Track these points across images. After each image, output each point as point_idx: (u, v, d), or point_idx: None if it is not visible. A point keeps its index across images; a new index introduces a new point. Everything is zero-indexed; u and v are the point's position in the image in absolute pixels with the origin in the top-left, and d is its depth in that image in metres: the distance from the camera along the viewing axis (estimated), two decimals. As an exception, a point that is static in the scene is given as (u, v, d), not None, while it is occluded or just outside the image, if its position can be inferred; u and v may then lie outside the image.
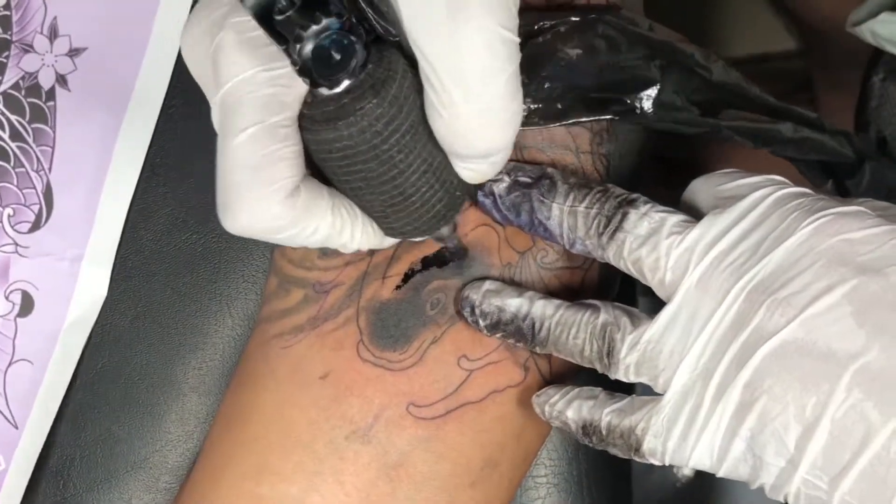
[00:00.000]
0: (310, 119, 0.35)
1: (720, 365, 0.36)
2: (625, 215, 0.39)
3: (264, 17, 0.33)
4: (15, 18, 0.51)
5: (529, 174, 0.41)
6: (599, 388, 0.41)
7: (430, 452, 0.42)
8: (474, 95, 0.34)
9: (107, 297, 0.51)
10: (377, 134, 0.35)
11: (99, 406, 0.51)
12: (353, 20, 0.34)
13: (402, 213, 0.38)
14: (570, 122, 0.43)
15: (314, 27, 0.33)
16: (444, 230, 0.41)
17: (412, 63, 0.36)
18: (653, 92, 0.43)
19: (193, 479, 0.47)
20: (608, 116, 0.43)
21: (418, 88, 0.36)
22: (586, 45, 0.43)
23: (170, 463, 0.51)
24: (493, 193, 0.42)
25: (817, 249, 0.36)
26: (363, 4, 0.34)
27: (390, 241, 0.41)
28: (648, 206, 0.39)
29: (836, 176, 0.46)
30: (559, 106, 0.43)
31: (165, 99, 0.51)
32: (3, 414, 0.50)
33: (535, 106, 0.43)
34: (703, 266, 0.37)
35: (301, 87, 0.35)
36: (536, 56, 0.42)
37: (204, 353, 0.51)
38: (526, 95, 0.41)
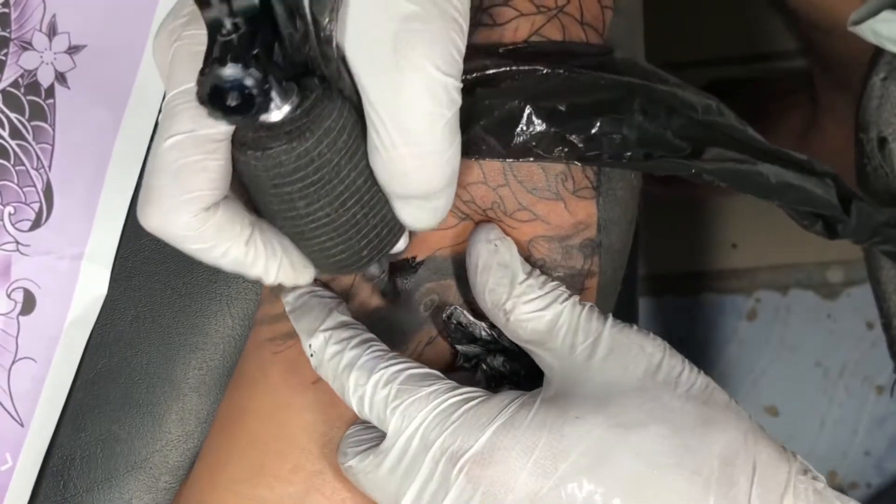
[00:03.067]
0: (236, 136, 0.36)
1: None
2: None
3: (210, 37, 0.33)
4: (14, 16, 0.51)
5: None
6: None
7: None
8: (414, 139, 0.36)
9: (107, 298, 0.51)
10: (279, 176, 0.35)
11: (99, 406, 0.51)
12: (275, 64, 0.33)
13: (305, 249, 0.39)
14: (539, 159, 0.43)
15: (217, 71, 0.32)
16: (373, 270, 0.42)
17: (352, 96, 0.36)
18: (632, 133, 0.42)
19: (191, 481, 0.47)
20: (572, 160, 0.43)
21: (344, 146, 0.36)
22: (553, 91, 0.42)
23: (170, 463, 0.51)
24: None
25: None
26: (316, 48, 0.34)
27: (307, 280, 0.41)
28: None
29: (825, 216, 0.46)
30: (533, 144, 0.43)
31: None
32: (8, 412, 0.50)
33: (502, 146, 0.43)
34: None
35: None
36: (493, 102, 0.42)
37: (204, 354, 0.51)
38: (489, 135, 0.41)
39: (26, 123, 0.50)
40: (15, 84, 0.50)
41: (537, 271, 0.41)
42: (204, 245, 0.37)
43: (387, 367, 0.39)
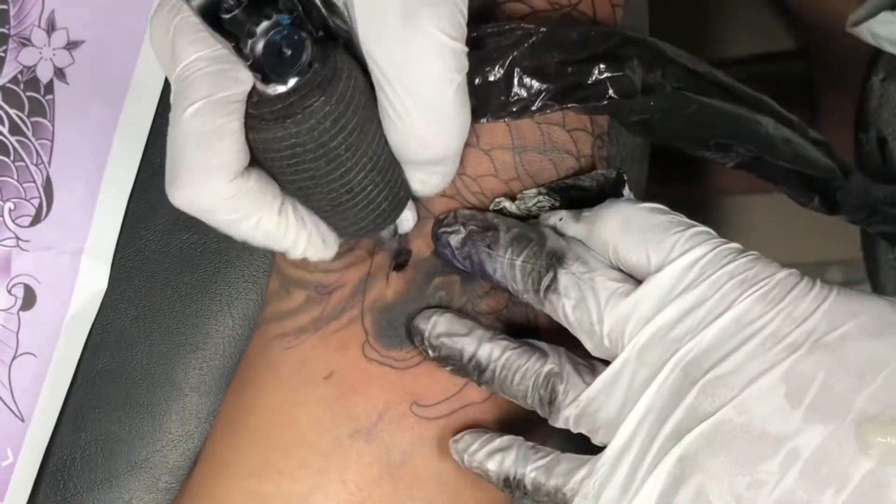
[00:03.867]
0: (257, 118, 0.35)
1: (655, 439, 0.37)
2: (555, 275, 0.40)
3: (211, 15, 0.33)
4: (13, 12, 0.51)
5: (479, 224, 0.42)
6: (521, 439, 0.41)
7: (433, 452, 0.42)
8: (426, 105, 0.36)
9: (107, 298, 0.51)
10: (325, 132, 0.35)
11: (99, 406, 0.51)
12: (302, 16, 0.34)
13: (348, 212, 0.38)
14: (540, 112, 0.42)
15: (266, 23, 0.33)
16: (385, 233, 0.41)
17: (359, 62, 0.36)
18: (635, 75, 0.42)
19: (195, 478, 0.47)
20: (573, 104, 0.42)
21: (364, 87, 0.36)
22: (543, 48, 0.42)
23: (170, 463, 0.51)
24: (449, 245, 0.42)
25: (752, 326, 0.36)
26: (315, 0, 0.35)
27: (330, 255, 0.41)
28: (577, 263, 0.40)
29: (822, 191, 0.46)
30: (529, 103, 0.42)
31: (163, 91, 0.51)
32: (9, 407, 0.50)
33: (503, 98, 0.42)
34: (640, 338, 0.38)
35: None
36: (490, 56, 0.42)
37: (204, 353, 0.51)
38: (489, 94, 0.41)
39: (26, 119, 0.50)
40: (14, 80, 0.51)
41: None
42: (238, 215, 0.36)
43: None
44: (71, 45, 0.51)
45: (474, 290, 0.44)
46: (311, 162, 0.36)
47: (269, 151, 0.36)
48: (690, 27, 1.11)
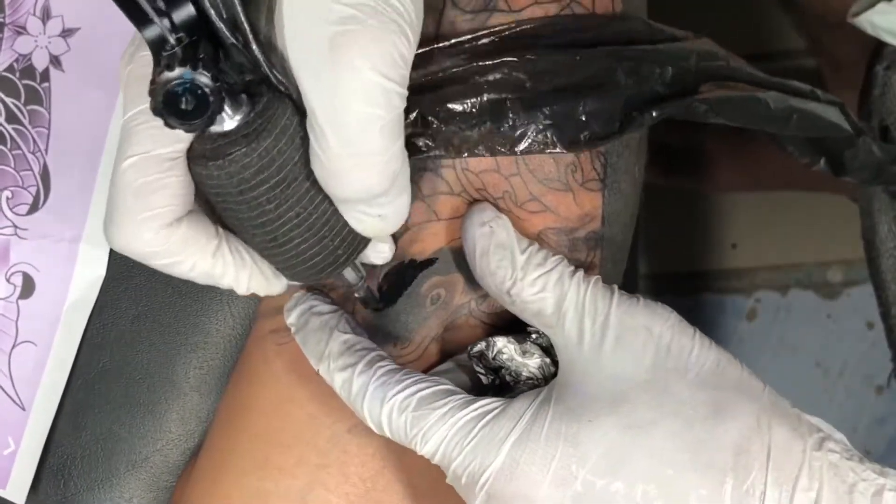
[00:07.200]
0: (193, 152, 0.36)
1: None
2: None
3: (157, 51, 0.34)
4: (7, 0, 0.51)
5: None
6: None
7: None
8: (347, 140, 0.35)
9: (107, 297, 0.51)
10: (244, 181, 0.35)
11: (100, 405, 0.51)
12: (222, 72, 0.34)
13: (279, 257, 0.39)
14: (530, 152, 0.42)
15: (167, 74, 0.33)
16: (350, 277, 0.41)
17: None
18: (618, 101, 0.41)
19: (194, 475, 0.47)
20: (558, 150, 0.42)
21: (300, 144, 0.36)
22: (532, 78, 0.41)
23: (171, 462, 0.51)
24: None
25: None
26: (258, 54, 0.35)
27: (280, 289, 0.41)
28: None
29: (828, 152, 0.46)
30: (517, 136, 0.42)
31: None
32: (10, 396, 0.50)
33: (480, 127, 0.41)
34: None
35: None
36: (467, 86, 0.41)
37: (205, 353, 0.51)
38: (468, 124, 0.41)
39: (22, 107, 0.51)
40: (10, 69, 0.51)
41: (536, 245, 0.41)
42: (170, 260, 0.38)
43: (396, 393, 0.38)
44: (66, 33, 0.51)
45: (477, 291, 0.43)
46: (233, 205, 0.36)
47: (201, 185, 0.37)
48: (695, 26, 1.11)
